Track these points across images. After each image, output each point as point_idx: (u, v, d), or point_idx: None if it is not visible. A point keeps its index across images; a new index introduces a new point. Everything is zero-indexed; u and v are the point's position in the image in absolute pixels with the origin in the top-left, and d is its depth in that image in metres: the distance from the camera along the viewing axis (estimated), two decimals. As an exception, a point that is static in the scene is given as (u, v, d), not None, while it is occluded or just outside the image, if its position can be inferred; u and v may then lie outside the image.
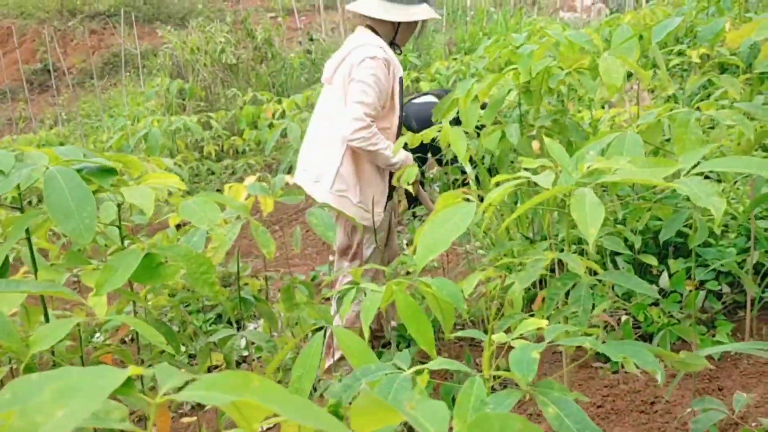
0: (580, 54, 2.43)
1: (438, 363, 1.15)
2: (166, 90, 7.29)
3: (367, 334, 1.50)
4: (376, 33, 2.89)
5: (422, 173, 3.69)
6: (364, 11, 2.85)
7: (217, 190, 6.47)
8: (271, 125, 7.07)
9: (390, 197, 3.03)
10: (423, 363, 1.18)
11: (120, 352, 1.62)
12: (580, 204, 1.26)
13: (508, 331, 1.40)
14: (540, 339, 1.28)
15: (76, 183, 1.42)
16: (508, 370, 1.09)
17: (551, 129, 2.57)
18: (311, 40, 9.25)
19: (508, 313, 1.63)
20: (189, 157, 6.12)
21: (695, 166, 1.34)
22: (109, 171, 1.55)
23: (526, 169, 1.56)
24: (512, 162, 2.91)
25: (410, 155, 2.90)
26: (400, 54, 3.00)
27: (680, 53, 3.65)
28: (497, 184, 1.53)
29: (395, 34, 2.92)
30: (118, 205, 1.64)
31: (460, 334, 1.54)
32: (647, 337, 2.74)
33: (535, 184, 1.49)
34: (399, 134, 2.93)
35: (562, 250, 1.63)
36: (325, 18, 10.37)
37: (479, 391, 0.99)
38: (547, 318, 1.42)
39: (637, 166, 1.45)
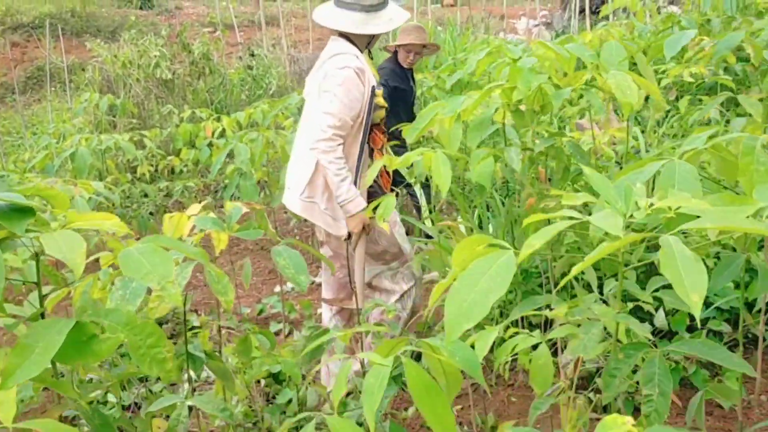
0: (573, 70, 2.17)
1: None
2: (96, 106, 6.75)
3: (372, 424, 1.15)
4: (350, 41, 2.78)
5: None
6: (340, 27, 2.74)
7: (150, 213, 5.97)
8: (210, 144, 6.64)
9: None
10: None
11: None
12: (671, 259, 0.95)
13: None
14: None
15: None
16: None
17: (543, 153, 2.29)
18: (252, 55, 8.83)
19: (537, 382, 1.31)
20: (121, 179, 5.61)
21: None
22: (24, 211, 1.15)
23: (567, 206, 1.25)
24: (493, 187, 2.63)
25: (363, 206, 2.67)
26: (371, 57, 2.91)
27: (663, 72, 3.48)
28: (531, 226, 1.22)
29: (370, 40, 2.83)
30: (36, 256, 1.24)
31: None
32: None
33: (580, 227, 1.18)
34: (361, 155, 2.75)
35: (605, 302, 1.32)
36: (266, 33, 9.98)
37: None
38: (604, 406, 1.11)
39: (708, 203, 1.15)
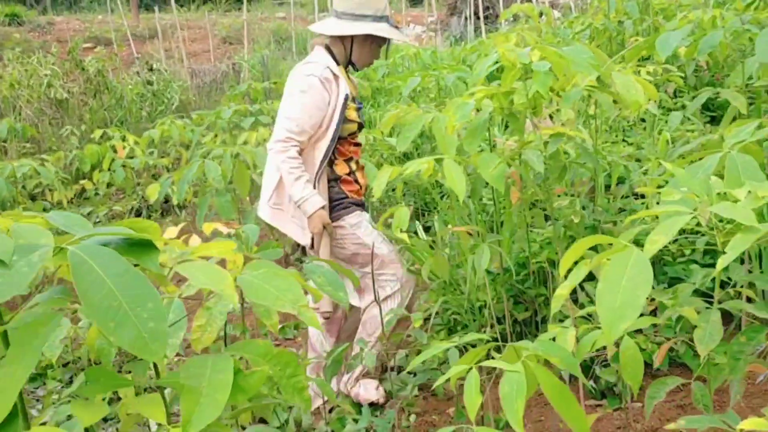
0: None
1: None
2: (-9, 131, 6.25)
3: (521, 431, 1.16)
4: (331, 53, 2.78)
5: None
6: (316, 29, 2.81)
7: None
8: (124, 166, 6.31)
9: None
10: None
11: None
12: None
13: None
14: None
15: (121, 268, 0.95)
16: None
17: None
18: (150, 69, 8.48)
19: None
20: (36, 207, 5.23)
21: None
22: (144, 245, 1.07)
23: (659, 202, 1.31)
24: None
25: (320, 205, 2.65)
26: (356, 71, 2.91)
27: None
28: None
29: (350, 52, 2.80)
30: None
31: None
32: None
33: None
34: (321, 165, 2.71)
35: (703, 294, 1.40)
36: (163, 45, 9.60)
37: None
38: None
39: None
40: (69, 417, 1.60)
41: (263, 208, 2.82)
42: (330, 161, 2.79)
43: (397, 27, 2.82)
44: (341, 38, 2.78)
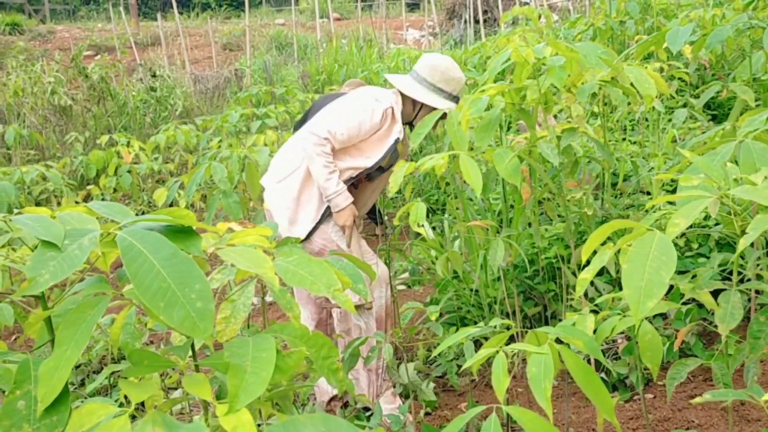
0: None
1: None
2: (0, 138, 6.28)
3: (549, 411, 1.19)
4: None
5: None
6: (394, 81, 2.90)
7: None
8: (130, 171, 6.35)
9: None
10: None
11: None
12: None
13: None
14: None
15: (168, 252, 0.99)
16: None
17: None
18: (153, 76, 8.52)
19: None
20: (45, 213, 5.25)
21: None
22: (185, 232, 1.11)
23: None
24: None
25: (351, 200, 2.73)
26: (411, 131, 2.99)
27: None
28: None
29: (415, 115, 2.95)
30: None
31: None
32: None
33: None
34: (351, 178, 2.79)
35: (725, 278, 1.43)
36: (166, 52, 9.65)
37: None
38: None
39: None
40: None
41: (269, 185, 2.90)
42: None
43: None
44: (413, 100, 2.89)
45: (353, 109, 2.75)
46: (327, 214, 2.78)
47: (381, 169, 2.85)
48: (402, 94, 2.89)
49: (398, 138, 2.79)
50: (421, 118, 2.89)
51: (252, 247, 1.15)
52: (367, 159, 2.76)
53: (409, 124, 2.99)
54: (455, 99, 2.87)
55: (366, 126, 2.72)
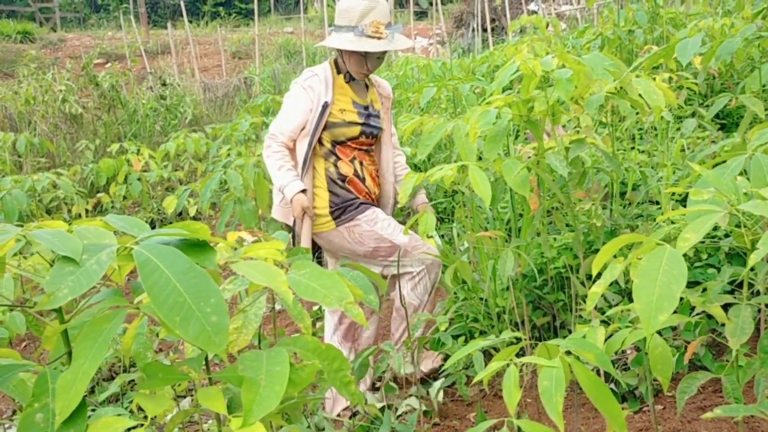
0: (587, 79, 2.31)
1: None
2: (12, 145, 6.34)
3: (561, 425, 1.20)
4: (337, 64, 2.92)
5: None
6: (331, 45, 2.84)
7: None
8: (139, 179, 6.39)
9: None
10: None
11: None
12: None
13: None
14: None
15: (184, 266, 1.00)
16: None
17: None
18: (164, 84, 8.59)
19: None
20: (55, 220, 5.29)
21: None
22: (200, 245, 1.12)
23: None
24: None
25: (299, 188, 2.76)
26: (355, 80, 2.92)
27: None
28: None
29: (357, 62, 2.85)
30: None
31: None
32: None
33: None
34: (307, 158, 2.84)
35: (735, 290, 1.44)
36: (176, 60, 9.72)
37: None
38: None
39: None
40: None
41: (275, 210, 3.00)
42: (334, 161, 2.87)
43: (377, 36, 2.74)
44: (339, 50, 2.85)
45: (285, 100, 2.90)
46: (348, 214, 2.85)
47: (350, 124, 2.85)
48: (341, 53, 2.86)
49: (326, 102, 2.80)
50: (348, 63, 2.83)
51: (264, 260, 1.17)
52: (308, 133, 2.84)
53: (363, 75, 2.88)
54: (355, 29, 2.73)
55: (300, 107, 2.81)
